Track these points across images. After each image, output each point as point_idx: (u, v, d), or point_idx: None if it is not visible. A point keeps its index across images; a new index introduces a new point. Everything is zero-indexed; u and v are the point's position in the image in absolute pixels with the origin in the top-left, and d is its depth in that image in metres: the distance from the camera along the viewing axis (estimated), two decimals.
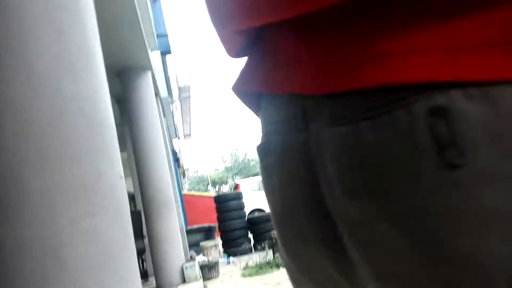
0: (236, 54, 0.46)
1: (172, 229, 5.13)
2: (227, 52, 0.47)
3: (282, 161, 0.37)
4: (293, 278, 0.43)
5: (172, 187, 5.81)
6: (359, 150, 0.28)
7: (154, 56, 6.57)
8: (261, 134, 0.44)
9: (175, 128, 11.35)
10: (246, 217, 7.66)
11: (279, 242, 0.44)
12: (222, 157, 54.40)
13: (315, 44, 0.32)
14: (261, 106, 0.44)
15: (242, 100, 0.47)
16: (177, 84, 8.76)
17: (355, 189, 0.29)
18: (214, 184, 47.03)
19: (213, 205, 8.20)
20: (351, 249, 0.32)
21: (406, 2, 0.26)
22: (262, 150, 0.42)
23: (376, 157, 0.27)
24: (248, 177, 31.10)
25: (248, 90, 0.43)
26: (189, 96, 9.13)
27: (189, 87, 8.59)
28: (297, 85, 0.34)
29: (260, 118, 0.44)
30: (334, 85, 0.30)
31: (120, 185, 1.25)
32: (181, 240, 5.44)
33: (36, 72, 1.10)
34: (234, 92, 0.46)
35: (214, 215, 8.09)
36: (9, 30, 1.08)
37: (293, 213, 0.37)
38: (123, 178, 1.30)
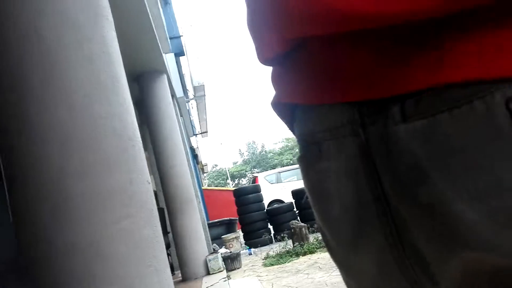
0: (267, 61, 0.47)
1: (194, 224, 5.37)
2: (259, 57, 0.48)
3: (339, 165, 0.39)
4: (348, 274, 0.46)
5: (192, 183, 6.04)
6: (439, 139, 0.30)
7: (168, 58, 6.77)
8: (303, 143, 0.45)
9: (192, 126, 11.61)
10: (265, 209, 7.84)
11: (330, 245, 0.46)
12: (240, 150, 54.56)
13: (375, 53, 0.34)
14: (296, 117, 0.46)
15: (277, 113, 0.50)
16: (192, 83, 8.97)
17: (432, 176, 0.31)
18: (233, 177, 47.34)
19: (233, 198, 8.41)
20: (421, 240, 0.34)
21: (472, 11, 0.29)
22: (312, 157, 0.43)
23: (457, 144, 0.29)
24: (266, 169, 31.26)
25: (288, 101, 0.45)
26: (204, 95, 9.33)
27: (203, 85, 8.79)
28: (353, 92, 0.36)
29: (298, 129, 0.46)
30: (409, 85, 0.32)
31: (148, 189, 1.45)
32: (203, 234, 5.68)
33: (71, 96, 1.30)
34: (272, 107, 0.49)
35: (234, 209, 8.31)
36: (45, 59, 1.28)
37: (354, 213, 0.39)
38: (150, 183, 1.50)
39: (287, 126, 0.51)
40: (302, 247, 5.43)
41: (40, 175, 1.21)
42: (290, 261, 5.19)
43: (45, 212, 1.21)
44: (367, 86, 0.35)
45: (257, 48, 0.47)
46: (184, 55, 9.20)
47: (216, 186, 35.99)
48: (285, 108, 0.48)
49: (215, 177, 48.25)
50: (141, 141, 1.52)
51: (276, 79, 0.47)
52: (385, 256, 0.38)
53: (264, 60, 0.47)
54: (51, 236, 1.24)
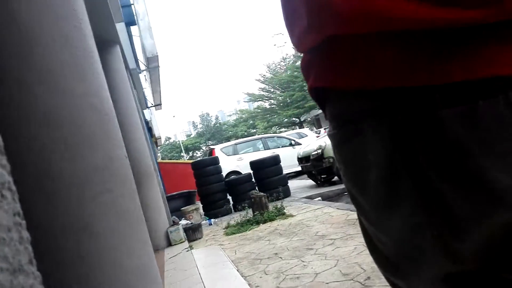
0: (304, 49, 0.53)
1: (154, 197, 5.39)
2: (296, 47, 0.54)
3: (376, 141, 0.44)
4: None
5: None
6: (476, 122, 0.37)
7: (119, 28, 6.51)
8: (338, 122, 0.51)
9: (145, 98, 11.33)
10: (224, 181, 7.95)
11: (363, 208, 0.51)
12: (193, 122, 53.88)
13: (414, 47, 0.40)
14: (329, 100, 0.52)
15: (312, 97, 0.56)
16: (145, 54, 8.70)
17: (473, 150, 0.37)
18: (187, 150, 46.92)
19: (189, 171, 8.42)
20: (456, 204, 0.39)
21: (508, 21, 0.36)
22: (347, 133, 0.49)
23: (492, 124, 0.36)
24: (221, 142, 31.27)
25: (323, 86, 0.50)
26: (158, 66, 9.10)
27: (157, 56, 8.55)
28: (393, 79, 0.41)
29: (333, 109, 0.52)
30: (448, 77, 0.38)
31: (126, 164, 1.49)
32: (163, 207, 5.73)
33: (50, 74, 1.29)
34: (309, 92, 0.55)
35: (191, 181, 8.35)
36: (24, 41, 1.25)
37: (389, 182, 0.44)
38: (127, 157, 1.53)
39: (319, 106, 0.56)
40: (262, 216, 5.63)
41: (23, 155, 1.21)
42: (251, 229, 5.38)
43: (29, 192, 1.22)
44: (407, 75, 0.40)
45: (296, 39, 0.53)
46: (135, 24, 8.84)
47: (170, 159, 35.56)
48: (319, 92, 0.53)
49: (168, 150, 47.56)
50: (115, 116, 1.53)
51: (312, 66, 0.52)
52: (415, 217, 0.43)
53: (303, 49, 0.53)
54: (39, 216, 1.25)
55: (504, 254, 0.39)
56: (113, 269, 1.24)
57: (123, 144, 1.50)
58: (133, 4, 8.39)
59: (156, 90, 11.48)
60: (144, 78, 10.98)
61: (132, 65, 7.91)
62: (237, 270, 3.57)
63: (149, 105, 12.88)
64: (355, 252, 3.32)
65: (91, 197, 1.26)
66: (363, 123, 0.45)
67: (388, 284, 0.55)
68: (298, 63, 31.92)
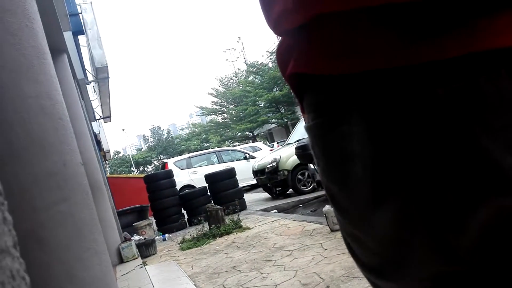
0: (283, 32, 0.49)
1: (105, 212, 5.13)
2: (273, 28, 0.50)
3: (363, 129, 0.41)
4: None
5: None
6: (477, 100, 0.35)
7: (67, 37, 6.24)
8: (319, 111, 0.47)
9: (93, 110, 10.88)
10: (179, 195, 7.77)
11: (342, 206, 0.47)
12: (144, 136, 52.65)
13: (404, 24, 0.38)
14: (308, 88, 0.48)
15: (289, 85, 0.52)
16: (94, 65, 8.39)
17: (475, 130, 0.35)
18: (137, 164, 45.60)
19: (140, 185, 8.13)
20: (452, 190, 0.36)
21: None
22: (330, 122, 0.45)
23: (496, 102, 0.34)
24: (173, 156, 30.74)
25: (304, 72, 0.47)
26: (108, 77, 8.80)
27: (107, 67, 8.27)
28: (382, 60, 0.39)
29: (312, 98, 0.48)
30: (449, 51, 0.36)
31: (81, 171, 1.40)
32: (114, 222, 5.47)
33: None
34: (286, 79, 0.51)
35: (143, 196, 8.06)
36: None
37: (377, 173, 0.40)
38: (83, 165, 1.44)
39: (296, 96, 0.52)
40: (219, 229, 5.54)
41: None
42: (207, 243, 5.26)
43: None
44: (399, 54, 0.38)
45: (268, 19, 0.49)
46: (83, 34, 8.52)
47: (121, 174, 34.32)
48: (297, 79, 0.49)
49: (117, 165, 45.96)
50: (69, 121, 1.44)
51: (292, 50, 0.48)
52: (405, 210, 0.39)
53: (280, 31, 0.49)
54: None
55: (502, 246, 0.36)
56: (67, 281, 1.15)
57: (78, 151, 1.41)
58: (81, 13, 8.09)
59: (105, 102, 11.08)
60: (92, 89, 10.57)
61: (80, 75, 7.60)
62: (195, 285, 3.46)
63: (98, 117, 12.39)
64: (313, 262, 3.34)
65: (45, 206, 1.17)
66: (348, 111, 0.42)
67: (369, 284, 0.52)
68: (251, 78, 32.30)
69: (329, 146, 0.46)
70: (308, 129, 0.50)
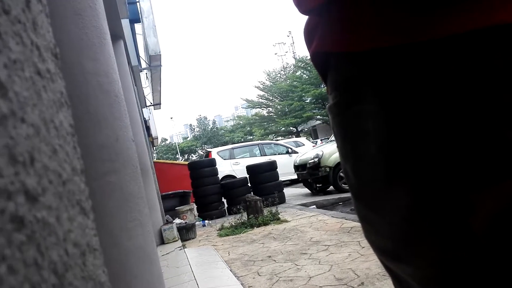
0: (306, 11, 0.50)
1: (150, 195, 5.35)
2: (298, 7, 0.51)
3: (384, 106, 0.40)
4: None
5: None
6: (487, 70, 0.34)
7: (124, 24, 6.52)
8: (339, 89, 0.47)
9: (144, 97, 11.30)
10: (220, 183, 7.92)
11: (355, 184, 0.47)
12: (191, 125, 53.89)
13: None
14: (330, 66, 0.48)
15: (314, 64, 0.52)
16: (148, 52, 8.70)
17: (490, 109, 0.34)
18: (182, 152, 46.85)
19: (184, 172, 8.36)
20: (465, 170, 0.36)
21: None
22: (349, 100, 0.45)
23: (503, 72, 0.34)
24: (217, 146, 31.31)
25: (325, 50, 0.47)
26: (160, 65, 9.09)
27: (160, 55, 8.55)
28: (394, 37, 0.38)
29: (335, 76, 0.48)
30: (463, 25, 0.35)
31: (132, 147, 1.48)
32: (158, 205, 5.69)
33: (61, 50, 1.28)
34: (311, 57, 0.52)
35: (186, 182, 8.28)
36: None
37: (392, 151, 0.40)
38: (134, 141, 1.52)
39: (321, 76, 0.53)
40: (257, 219, 5.60)
41: None
42: (245, 232, 5.34)
43: None
44: (414, 30, 0.37)
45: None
46: (140, 22, 8.85)
47: (167, 160, 35.41)
48: (320, 57, 0.49)
49: (164, 152, 47.46)
50: (124, 99, 1.52)
51: (314, 29, 0.49)
52: (423, 190, 0.38)
53: (304, 10, 0.50)
54: None
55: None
56: (112, 247, 1.22)
57: (130, 127, 1.49)
58: (138, 1, 8.40)
59: (156, 90, 11.46)
60: (145, 77, 10.98)
61: (134, 62, 7.91)
62: (230, 270, 3.54)
63: (148, 104, 12.85)
64: (349, 258, 3.30)
65: (96, 176, 1.25)
66: (364, 89, 0.42)
67: None
68: (298, 73, 32.09)
69: (345, 124, 0.46)
70: (328, 108, 0.50)
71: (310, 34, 0.51)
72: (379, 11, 0.40)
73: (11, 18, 0.20)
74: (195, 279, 3.14)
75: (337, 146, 0.50)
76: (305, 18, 0.53)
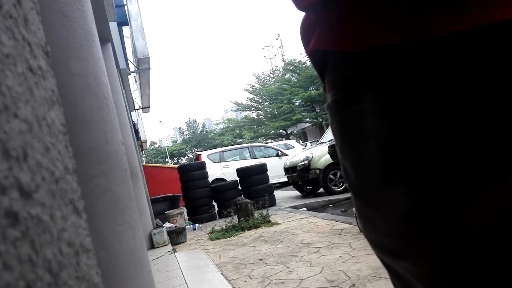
0: (303, 7, 0.50)
1: (140, 199, 5.31)
2: (296, 3, 0.50)
3: (383, 105, 0.40)
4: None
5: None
6: (492, 74, 0.34)
7: (112, 27, 6.47)
8: (338, 88, 0.47)
9: (133, 100, 11.23)
10: (210, 186, 7.89)
11: (354, 183, 0.47)
12: (180, 128, 53.68)
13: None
14: (328, 65, 0.48)
15: (312, 62, 0.52)
16: (136, 55, 8.65)
17: (488, 104, 0.34)
18: (172, 156, 46.61)
19: (174, 176, 8.31)
20: (466, 167, 0.35)
21: None
22: (347, 99, 0.45)
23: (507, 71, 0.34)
24: (207, 149, 31.24)
25: (323, 48, 0.47)
26: (149, 68, 9.05)
27: (148, 58, 8.51)
28: (397, 34, 0.38)
29: (333, 74, 0.48)
30: (464, 23, 0.35)
31: (122, 150, 1.46)
32: (148, 208, 5.64)
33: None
34: (308, 56, 0.52)
35: (175, 186, 8.23)
36: None
37: (390, 150, 0.40)
38: (124, 143, 1.51)
39: (318, 74, 0.52)
40: (248, 222, 5.59)
41: None
42: (235, 235, 5.33)
43: None
44: (415, 28, 0.37)
45: None
46: (127, 25, 8.80)
47: (156, 164, 35.18)
48: (318, 55, 0.49)
49: (153, 155, 47.17)
50: (113, 101, 1.51)
51: (312, 27, 0.49)
52: (421, 188, 0.38)
53: (301, 6, 0.49)
54: None
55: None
56: (102, 250, 1.21)
57: (119, 130, 1.47)
58: (126, 4, 8.36)
59: (145, 93, 11.40)
60: (133, 80, 10.91)
61: (122, 65, 7.86)
62: (221, 274, 3.52)
63: (137, 107, 12.77)
64: (340, 260, 3.32)
65: (85, 178, 1.23)
66: (363, 88, 0.42)
67: None
68: (287, 76, 32.21)
69: (344, 122, 0.46)
70: (327, 106, 0.50)
71: (307, 31, 0.51)
72: (378, 10, 0.40)
73: (3, 12, 0.20)
74: (186, 283, 3.12)
75: (336, 144, 0.50)
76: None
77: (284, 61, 39.40)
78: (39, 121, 0.22)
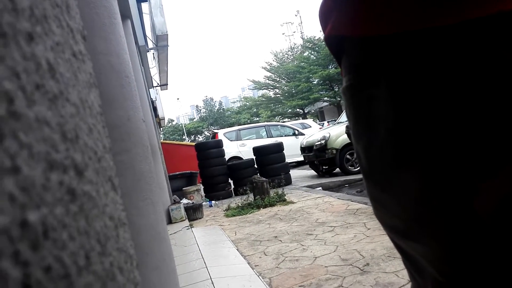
0: None
1: (158, 174, 5.42)
2: None
3: (394, 92, 0.41)
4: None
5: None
6: (500, 57, 0.35)
7: (131, 3, 6.46)
8: (353, 73, 0.48)
9: (151, 77, 11.29)
10: (227, 164, 7.97)
11: (367, 168, 0.48)
12: (197, 106, 53.88)
13: None
14: (345, 50, 0.49)
15: (329, 47, 0.53)
16: (155, 32, 8.64)
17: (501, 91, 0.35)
18: (189, 133, 47.02)
19: (191, 153, 8.41)
20: (473, 155, 0.36)
21: None
22: (361, 84, 0.46)
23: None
24: (224, 127, 31.35)
25: (340, 34, 0.48)
26: (167, 45, 9.04)
27: (167, 35, 8.50)
28: (415, 21, 0.39)
29: (349, 59, 0.49)
30: (485, 9, 0.35)
31: (143, 127, 1.49)
32: (166, 185, 5.76)
33: None
34: (325, 42, 0.52)
35: (192, 163, 8.33)
36: None
37: (400, 136, 0.41)
38: (145, 121, 1.53)
39: (335, 59, 0.53)
40: (263, 200, 5.66)
41: None
42: (251, 212, 5.40)
43: None
44: (430, 15, 0.37)
45: None
46: (146, 1, 8.78)
47: (173, 141, 35.60)
48: (335, 40, 0.50)
49: (170, 133, 47.65)
50: (134, 80, 1.53)
51: (329, 12, 0.50)
52: (431, 173, 0.39)
53: None
54: None
55: None
56: None
57: (140, 108, 1.50)
58: None
59: (163, 70, 11.43)
60: (152, 57, 10.94)
61: (141, 42, 7.88)
62: (237, 250, 3.60)
63: (155, 84, 12.85)
64: (354, 239, 3.34)
65: None
66: (376, 74, 0.42)
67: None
68: (306, 54, 31.75)
69: (358, 107, 0.47)
70: (342, 91, 0.51)
71: (325, 16, 0.52)
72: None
73: (51, 2, 0.21)
74: (203, 258, 3.21)
75: (350, 127, 0.51)
76: None
77: (303, 39, 38.79)
78: (83, 104, 0.24)
